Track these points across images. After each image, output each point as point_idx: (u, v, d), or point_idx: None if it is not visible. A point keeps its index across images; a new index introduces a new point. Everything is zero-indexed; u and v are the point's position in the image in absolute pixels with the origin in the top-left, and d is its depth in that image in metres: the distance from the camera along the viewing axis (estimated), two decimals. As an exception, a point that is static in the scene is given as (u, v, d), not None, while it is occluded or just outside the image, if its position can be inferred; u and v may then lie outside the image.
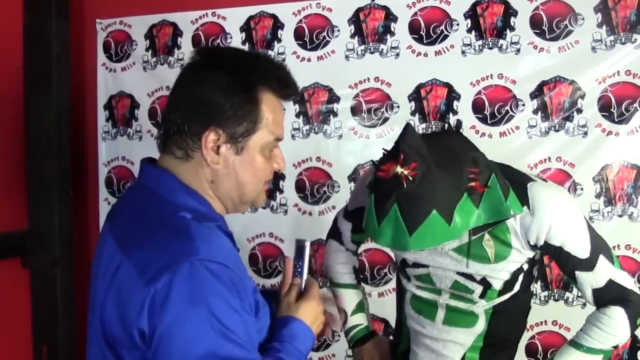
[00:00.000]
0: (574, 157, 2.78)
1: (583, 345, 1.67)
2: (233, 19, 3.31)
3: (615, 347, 1.68)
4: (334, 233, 2.06)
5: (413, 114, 3.00)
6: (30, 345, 3.44)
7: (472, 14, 2.91)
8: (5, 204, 3.32)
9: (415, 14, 2.99)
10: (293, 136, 3.18)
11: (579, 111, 2.76)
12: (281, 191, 3.23)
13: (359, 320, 2.02)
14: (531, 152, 2.83)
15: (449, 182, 1.47)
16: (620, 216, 2.73)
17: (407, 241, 1.46)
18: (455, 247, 1.68)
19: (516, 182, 1.62)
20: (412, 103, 3.00)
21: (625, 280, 1.65)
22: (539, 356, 2.83)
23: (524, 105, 2.84)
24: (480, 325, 1.75)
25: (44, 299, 3.40)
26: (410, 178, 1.43)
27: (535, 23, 2.81)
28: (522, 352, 2.85)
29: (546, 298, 2.82)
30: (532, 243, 1.62)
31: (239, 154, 1.32)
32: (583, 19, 2.74)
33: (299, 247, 1.52)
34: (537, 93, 2.82)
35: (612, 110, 2.71)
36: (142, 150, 3.39)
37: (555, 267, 2.75)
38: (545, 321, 2.83)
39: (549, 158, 2.81)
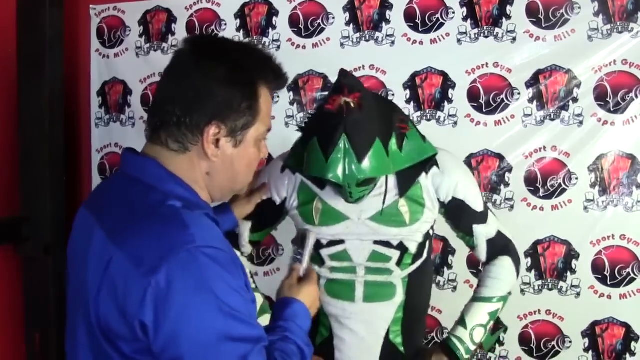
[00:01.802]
0: (569, 147, 2.77)
1: (484, 297, 1.90)
2: (227, 6, 3.29)
3: (509, 293, 1.93)
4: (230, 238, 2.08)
5: (408, 102, 2.98)
6: (22, 332, 3.43)
7: (468, 2, 2.90)
8: (-2, 191, 3.32)
9: (411, 1, 2.98)
10: (287, 124, 3.17)
11: (575, 100, 2.75)
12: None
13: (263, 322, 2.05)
14: (526, 141, 2.82)
15: (383, 117, 1.67)
16: (615, 206, 2.72)
17: (357, 168, 1.57)
18: (371, 216, 1.79)
19: None
20: (407, 91, 2.99)
21: (506, 230, 1.95)
22: (532, 345, 2.84)
23: (519, 94, 2.83)
24: (399, 295, 1.86)
25: (36, 286, 3.38)
26: (357, 106, 1.57)
27: (531, 11, 2.80)
28: (516, 341, 2.85)
29: (540, 287, 2.82)
30: (441, 199, 1.84)
31: (237, 146, 1.33)
32: (579, 7, 2.73)
33: (302, 235, 1.63)
34: (533, 82, 2.80)
35: (608, 99, 2.70)
36: (134, 137, 3.37)
37: (549, 255, 2.77)
38: (539, 310, 2.83)
39: (544, 147, 2.80)
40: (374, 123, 1.62)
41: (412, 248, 1.83)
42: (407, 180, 1.78)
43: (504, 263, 1.91)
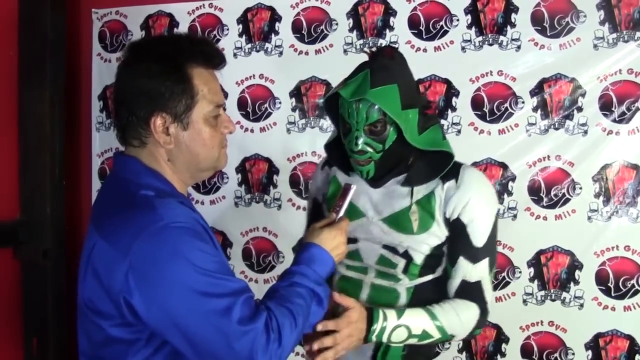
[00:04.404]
0: (573, 156, 2.74)
1: (433, 313, 1.71)
2: (230, 11, 3.28)
3: (451, 337, 1.73)
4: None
5: (411, 109, 2.96)
6: (20, 337, 3.42)
7: (472, 9, 2.88)
8: (-2, 194, 3.30)
9: (415, 8, 2.96)
10: (288, 130, 3.15)
11: (579, 109, 2.73)
12: (275, 186, 3.20)
13: None
14: (530, 150, 2.80)
15: (409, 83, 1.71)
16: (619, 216, 2.70)
17: (367, 91, 1.63)
18: (384, 217, 1.78)
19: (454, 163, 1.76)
20: (411, 98, 2.97)
21: (489, 293, 1.78)
22: (534, 357, 2.81)
23: (523, 102, 2.81)
24: (401, 303, 1.78)
25: (35, 290, 3.37)
26: (388, 55, 1.69)
27: (536, 20, 2.78)
28: (518, 352, 2.83)
29: (543, 298, 2.79)
30: (447, 215, 1.73)
31: (186, 129, 1.45)
32: (585, 16, 2.71)
33: (345, 189, 1.72)
34: (537, 90, 2.78)
35: (612, 109, 2.68)
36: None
37: (552, 266, 2.75)
38: (542, 321, 2.80)
39: (548, 156, 2.78)
40: (398, 74, 1.67)
41: (417, 259, 1.75)
42: (421, 175, 1.74)
43: (472, 309, 1.73)
